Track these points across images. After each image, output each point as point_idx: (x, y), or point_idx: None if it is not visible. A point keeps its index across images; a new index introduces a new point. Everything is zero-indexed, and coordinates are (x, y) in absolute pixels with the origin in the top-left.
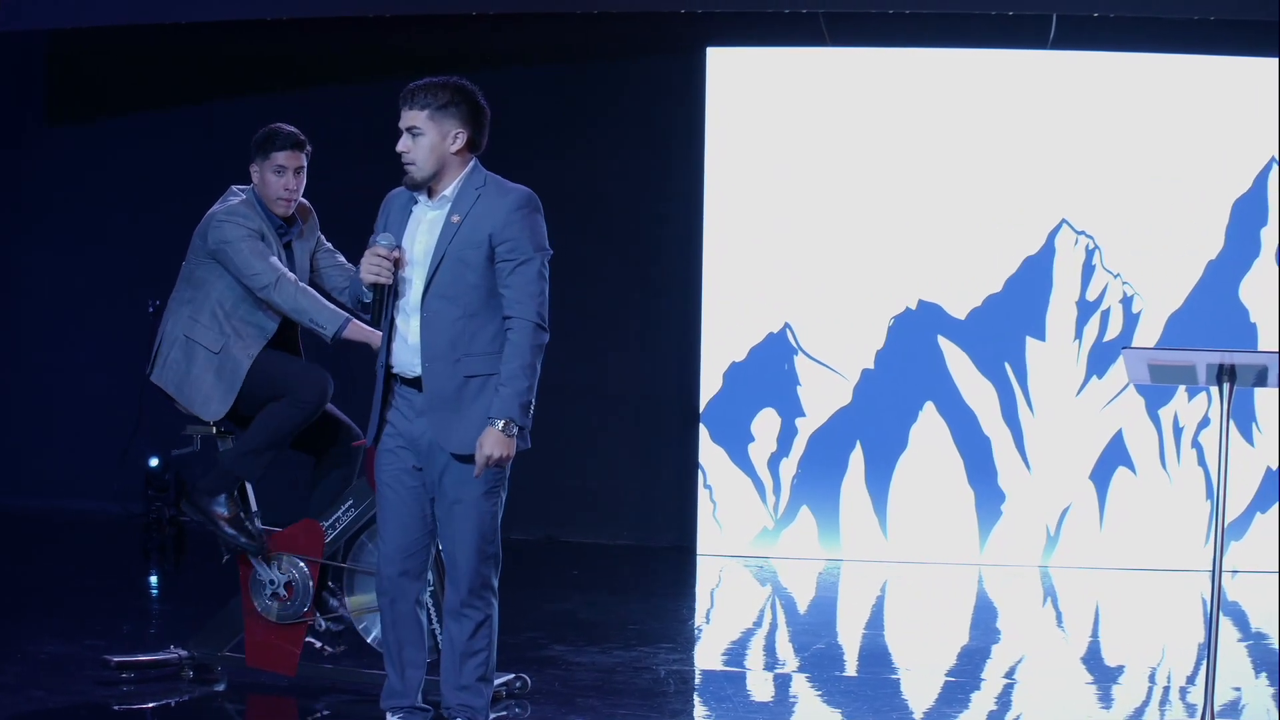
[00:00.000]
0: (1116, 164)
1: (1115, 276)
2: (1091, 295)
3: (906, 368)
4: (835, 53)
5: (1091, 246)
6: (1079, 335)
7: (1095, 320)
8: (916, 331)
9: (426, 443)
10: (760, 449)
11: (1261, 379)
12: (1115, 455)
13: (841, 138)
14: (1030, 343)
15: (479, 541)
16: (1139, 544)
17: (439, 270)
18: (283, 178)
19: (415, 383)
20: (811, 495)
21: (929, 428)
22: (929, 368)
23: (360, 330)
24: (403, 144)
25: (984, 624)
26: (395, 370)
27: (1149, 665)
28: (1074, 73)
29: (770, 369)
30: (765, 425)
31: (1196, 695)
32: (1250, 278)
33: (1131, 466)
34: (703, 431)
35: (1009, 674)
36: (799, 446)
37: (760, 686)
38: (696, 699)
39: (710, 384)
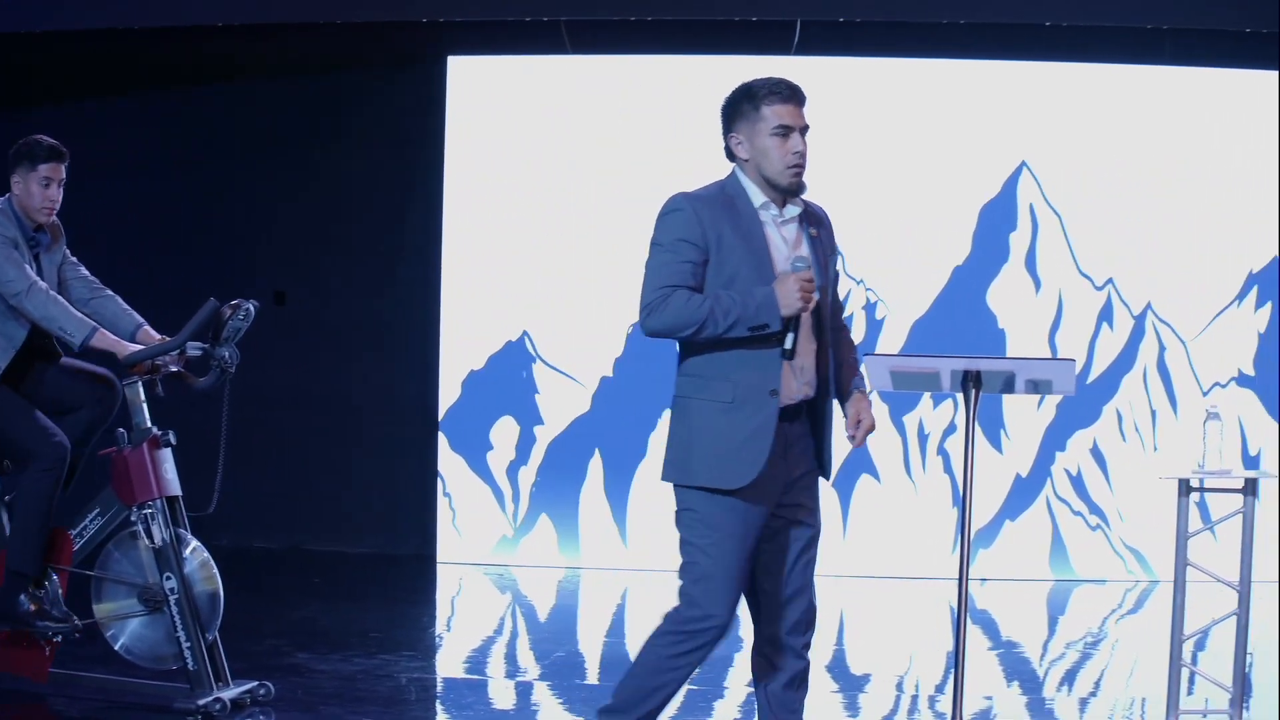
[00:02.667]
0: (861, 169)
1: (859, 283)
2: None
3: (645, 374)
4: (577, 60)
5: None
6: None
7: None
8: (656, 339)
9: (796, 475)
10: (499, 457)
11: (1008, 385)
12: (859, 462)
13: (583, 145)
14: None
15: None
16: (884, 552)
17: (828, 289)
18: (49, 189)
19: (792, 412)
20: (550, 503)
21: (667, 435)
22: (668, 375)
23: (106, 339)
24: (802, 142)
25: (733, 632)
26: (783, 403)
27: (896, 674)
28: (820, 77)
29: (509, 377)
30: (504, 433)
31: (945, 704)
32: (998, 283)
33: (875, 474)
34: (442, 440)
35: (751, 682)
36: (538, 454)
37: (502, 694)
38: (438, 706)
39: (449, 392)
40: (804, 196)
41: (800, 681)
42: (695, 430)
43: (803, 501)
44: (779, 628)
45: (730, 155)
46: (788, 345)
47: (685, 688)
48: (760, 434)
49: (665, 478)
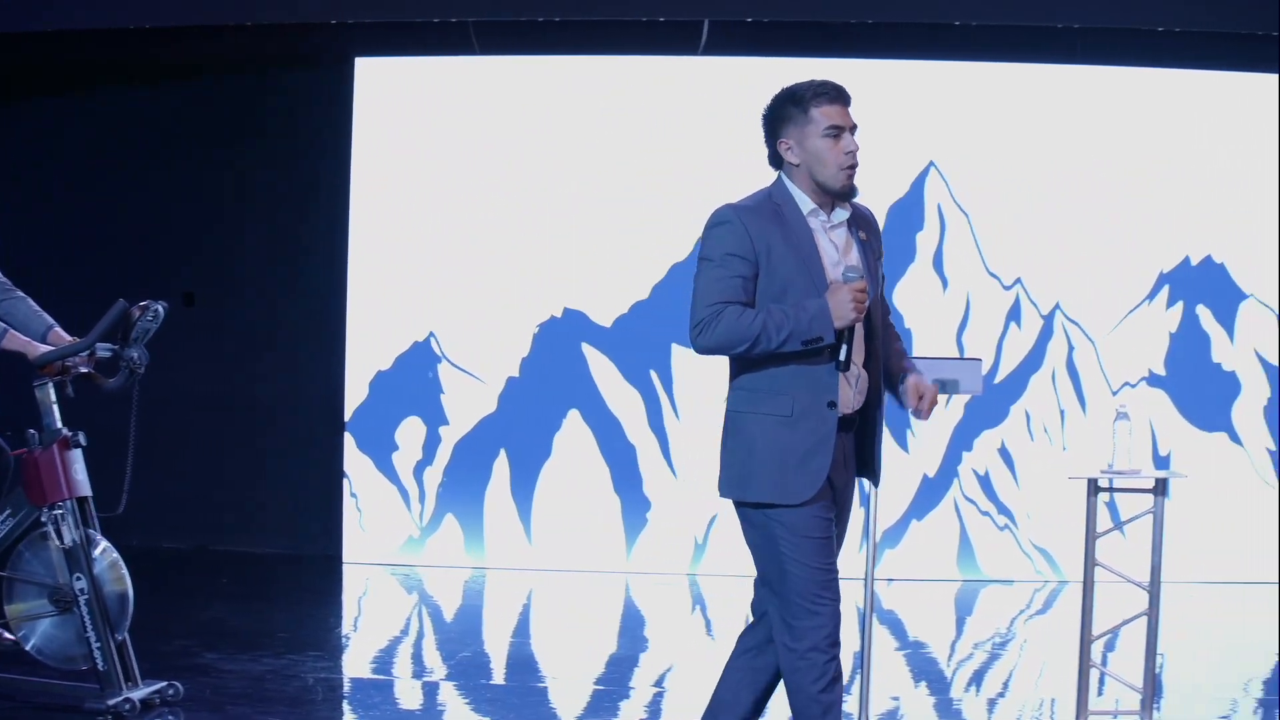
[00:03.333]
0: (768, 169)
1: None
2: None
3: (551, 375)
4: (484, 61)
5: None
6: None
7: None
8: (562, 339)
9: (843, 484)
10: (405, 457)
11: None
12: None
13: (489, 146)
14: (676, 350)
15: None
16: None
17: (877, 295)
18: None
19: (847, 423)
20: (456, 503)
21: (574, 435)
22: (574, 375)
23: (16, 340)
24: (854, 142)
25: (632, 632)
26: (841, 413)
27: None
28: (727, 78)
29: (415, 378)
30: (410, 434)
31: (853, 704)
32: (905, 283)
33: None
34: (349, 440)
35: (658, 683)
36: (444, 454)
37: (408, 694)
38: (345, 706)
39: (356, 393)
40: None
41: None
42: (754, 446)
43: (843, 509)
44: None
45: (776, 162)
46: (841, 357)
47: (592, 687)
48: (822, 448)
49: (723, 494)
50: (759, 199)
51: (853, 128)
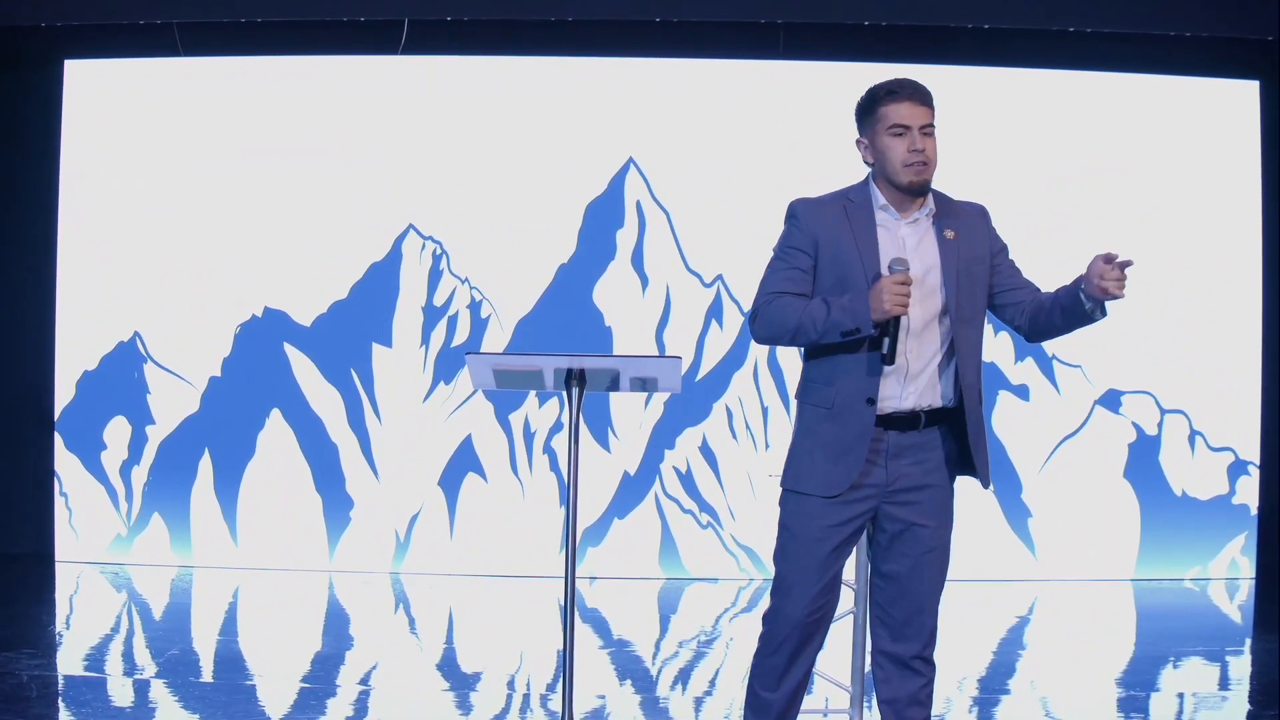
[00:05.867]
0: (464, 169)
1: (463, 282)
2: (439, 301)
3: (253, 375)
4: (188, 63)
5: (439, 252)
6: (426, 341)
7: (442, 326)
8: (263, 339)
9: (905, 485)
10: (113, 456)
11: (614, 383)
12: (464, 461)
13: (193, 146)
14: (377, 349)
15: (942, 590)
16: (491, 550)
17: (959, 292)
18: None
19: (902, 421)
20: (162, 502)
21: (276, 434)
22: (276, 375)
23: None
24: (921, 141)
25: (337, 630)
26: (887, 410)
27: (508, 672)
28: (423, 78)
29: (121, 377)
30: (117, 433)
31: (558, 702)
32: (605, 281)
33: (482, 473)
34: (58, 439)
35: (364, 680)
36: (149, 454)
37: (120, 692)
38: (60, 704)
39: (64, 392)
40: (953, 196)
41: (914, 701)
42: (800, 434)
43: (918, 513)
44: (887, 637)
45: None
46: (884, 350)
47: (299, 685)
48: (856, 445)
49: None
50: (835, 194)
51: (924, 126)
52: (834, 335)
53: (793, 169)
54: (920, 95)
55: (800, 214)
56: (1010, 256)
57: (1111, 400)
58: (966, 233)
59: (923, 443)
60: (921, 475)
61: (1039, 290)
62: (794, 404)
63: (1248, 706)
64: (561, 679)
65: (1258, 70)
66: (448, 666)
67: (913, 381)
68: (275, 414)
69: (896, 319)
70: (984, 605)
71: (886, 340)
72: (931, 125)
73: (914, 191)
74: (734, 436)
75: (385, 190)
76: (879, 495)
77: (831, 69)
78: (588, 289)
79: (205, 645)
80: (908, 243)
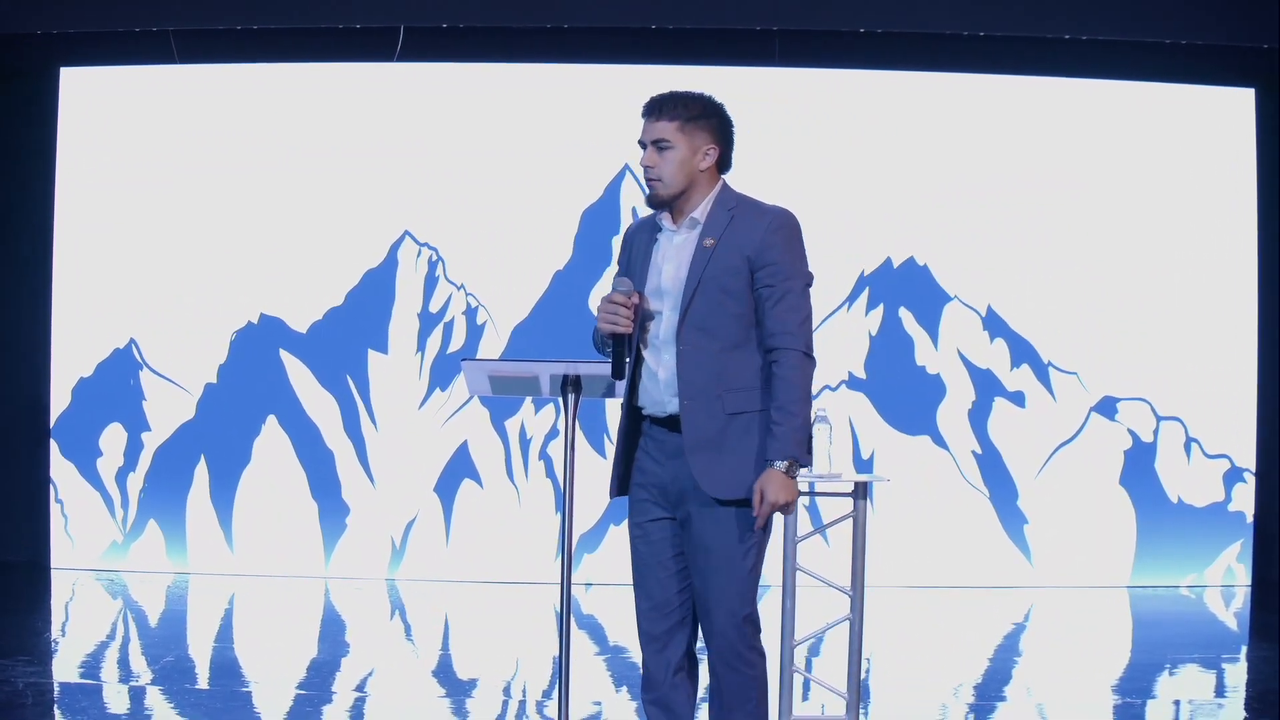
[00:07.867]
0: (460, 176)
1: (459, 288)
2: (434, 307)
3: (249, 382)
4: (184, 70)
5: (434, 258)
6: (421, 348)
7: (438, 332)
8: (258, 345)
9: (678, 488)
10: (108, 464)
11: (610, 390)
12: (460, 467)
13: (188, 154)
14: (372, 355)
15: (735, 598)
16: (487, 556)
17: (694, 300)
18: None
19: (667, 422)
20: (158, 509)
21: (272, 441)
22: (271, 381)
23: None
24: (648, 157)
25: (333, 637)
26: (645, 411)
27: (504, 678)
28: (419, 85)
29: (117, 384)
30: (113, 440)
31: (554, 709)
32: (601, 287)
33: (478, 479)
34: (54, 446)
35: (360, 687)
36: (145, 461)
37: (116, 699)
38: (56, 711)
39: (60, 399)
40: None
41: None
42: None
43: (691, 515)
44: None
45: None
46: (612, 362)
47: (294, 691)
48: (623, 446)
49: None
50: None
51: (657, 140)
52: (602, 349)
53: (787, 175)
54: (652, 110)
55: (626, 234)
56: (780, 284)
57: (1107, 407)
58: (729, 241)
59: (693, 446)
60: (684, 479)
61: (778, 353)
62: None
63: (1244, 713)
64: (557, 685)
65: (1253, 78)
66: (443, 673)
67: (669, 387)
68: (271, 421)
69: (623, 337)
70: (980, 611)
71: (609, 351)
72: (665, 140)
73: (652, 205)
74: None
75: (381, 197)
76: (671, 499)
77: (826, 76)
78: (584, 295)
79: (201, 652)
80: (668, 254)
